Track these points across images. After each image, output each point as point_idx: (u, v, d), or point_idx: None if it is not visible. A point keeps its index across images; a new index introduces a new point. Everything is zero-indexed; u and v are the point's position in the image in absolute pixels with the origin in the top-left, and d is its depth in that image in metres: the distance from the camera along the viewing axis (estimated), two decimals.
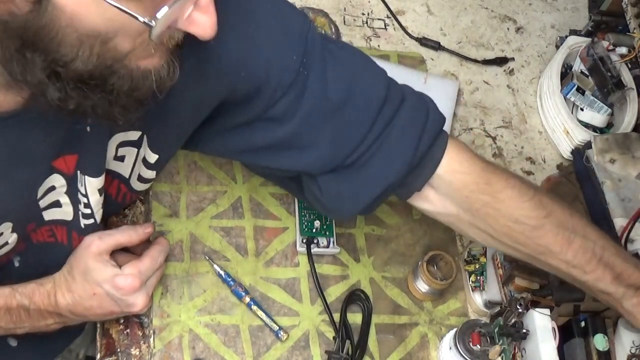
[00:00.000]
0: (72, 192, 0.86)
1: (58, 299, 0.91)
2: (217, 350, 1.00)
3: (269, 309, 1.04)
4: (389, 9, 1.35)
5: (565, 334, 1.03)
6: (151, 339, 0.99)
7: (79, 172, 0.84)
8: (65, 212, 0.89)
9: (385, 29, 1.33)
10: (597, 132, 1.24)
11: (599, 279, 0.90)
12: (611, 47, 1.27)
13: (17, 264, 0.92)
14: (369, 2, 1.35)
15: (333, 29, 1.30)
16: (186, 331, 1.00)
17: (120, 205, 1.00)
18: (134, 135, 0.87)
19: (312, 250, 1.07)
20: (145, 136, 0.87)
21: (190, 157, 1.12)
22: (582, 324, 1.03)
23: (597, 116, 1.25)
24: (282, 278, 1.07)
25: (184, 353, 0.99)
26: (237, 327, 1.02)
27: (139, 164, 0.91)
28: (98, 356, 0.98)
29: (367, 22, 1.33)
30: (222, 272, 1.04)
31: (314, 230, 1.09)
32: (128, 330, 0.98)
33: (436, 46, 1.33)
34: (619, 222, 1.10)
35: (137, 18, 0.60)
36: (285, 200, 1.12)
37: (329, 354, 1.01)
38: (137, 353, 0.98)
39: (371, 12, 1.35)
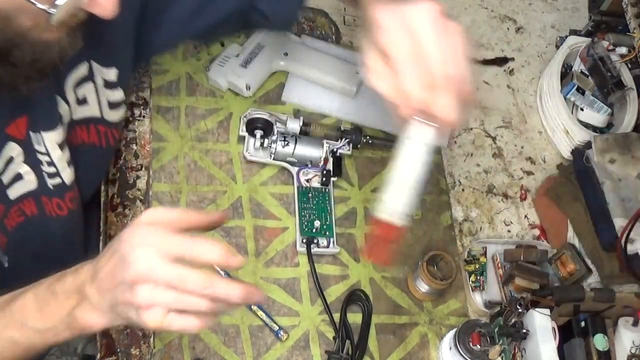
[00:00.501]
0: (31, 157, 0.86)
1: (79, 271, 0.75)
2: (217, 350, 1.00)
3: (269, 309, 1.04)
4: None
5: (565, 334, 1.03)
6: (151, 339, 0.99)
7: (31, 132, 0.84)
8: (29, 182, 0.88)
9: None
10: (597, 132, 1.24)
11: None
12: (611, 47, 1.27)
13: (6, 264, 0.91)
14: None
15: (333, 29, 1.30)
16: None
17: (109, 150, 1.00)
18: (83, 69, 0.87)
19: (312, 250, 1.07)
20: (92, 62, 0.88)
21: (190, 157, 1.12)
22: (582, 324, 1.03)
23: (597, 116, 1.25)
24: (282, 278, 1.07)
25: (184, 353, 0.99)
26: (237, 327, 1.02)
27: (102, 92, 0.91)
28: (98, 356, 0.98)
29: None
30: (222, 272, 1.04)
31: (314, 230, 1.09)
32: (128, 330, 0.98)
33: None
34: (619, 222, 1.10)
35: (36, 5, 0.64)
36: (285, 200, 1.12)
37: (329, 354, 1.01)
38: (137, 353, 0.98)
39: None
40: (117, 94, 0.93)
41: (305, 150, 1.13)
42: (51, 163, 0.87)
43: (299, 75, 1.21)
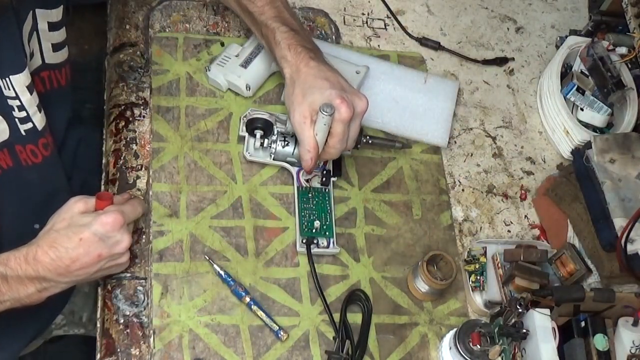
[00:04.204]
0: (1, 104, 0.88)
1: (39, 258, 0.90)
2: (217, 350, 1.00)
3: (269, 309, 1.04)
4: (389, 9, 1.35)
5: (565, 334, 1.03)
6: (151, 339, 0.99)
7: None
8: (2, 132, 0.91)
9: (385, 29, 1.33)
10: (597, 132, 1.24)
11: (262, 13, 1.06)
12: (611, 47, 1.27)
13: None
14: (369, 2, 1.35)
15: (333, 29, 1.30)
16: (186, 331, 1.00)
17: (63, 92, 1.04)
18: (30, 20, 0.91)
19: (312, 250, 1.07)
20: (36, 11, 0.92)
21: (190, 157, 1.12)
22: (582, 324, 1.03)
23: (597, 116, 1.25)
24: (282, 278, 1.07)
25: (184, 353, 0.99)
26: (237, 327, 1.02)
27: (46, 37, 0.95)
28: (98, 356, 0.98)
29: (367, 22, 1.33)
30: (222, 272, 1.04)
31: (314, 230, 1.09)
32: (128, 330, 0.99)
33: (436, 46, 1.33)
34: (619, 222, 1.10)
35: None
36: (285, 200, 1.12)
37: (329, 354, 1.01)
38: (137, 353, 0.98)
39: (371, 12, 1.35)
40: (60, 35, 0.97)
41: None
42: (22, 107, 0.90)
43: None
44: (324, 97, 0.98)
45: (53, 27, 0.96)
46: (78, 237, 0.91)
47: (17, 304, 0.93)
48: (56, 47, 0.98)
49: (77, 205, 0.94)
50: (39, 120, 0.94)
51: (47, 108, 0.99)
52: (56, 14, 0.96)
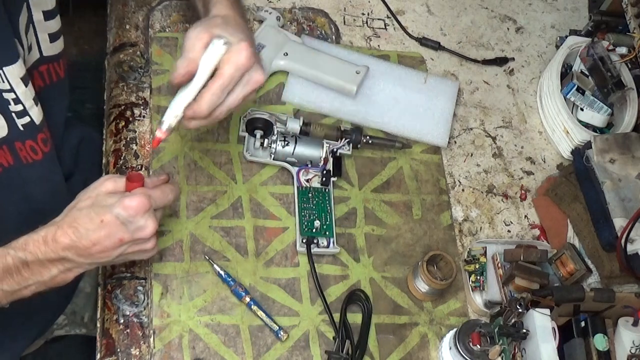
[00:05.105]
0: None
1: (58, 239, 0.87)
2: (217, 350, 1.00)
3: (269, 309, 1.04)
4: (389, 9, 1.35)
5: (565, 334, 1.03)
6: (151, 339, 0.99)
7: None
8: (0, 128, 0.89)
9: (385, 29, 1.33)
10: (597, 132, 1.24)
11: None
12: (611, 47, 1.27)
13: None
14: (369, 2, 1.35)
15: (333, 29, 1.30)
16: (186, 331, 1.00)
17: (61, 85, 1.03)
18: (25, 12, 0.90)
19: (312, 250, 1.07)
20: (29, 2, 0.91)
21: (190, 157, 1.12)
22: (582, 324, 1.03)
23: (597, 116, 1.25)
24: (282, 278, 1.07)
25: (184, 353, 0.99)
26: (237, 327, 1.02)
27: (42, 28, 0.94)
28: (98, 356, 0.98)
29: (367, 22, 1.33)
30: (222, 272, 1.04)
31: (314, 230, 1.09)
32: (128, 330, 0.99)
33: (436, 46, 1.33)
34: (619, 222, 1.10)
35: None
36: (285, 200, 1.12)
37: (329, 354, 1.01)
38: (137, 353, 0.98)
39: (371, 12, 1.35)
40: (56, 23, 0.95)
41: (305, 150, 1.13)
42: (17, 100, 0.89)
43: (299, 75, 1.21)
44: (235, 37, 0.89)
45: (48, 15, 0.94)
46: (100, 218, 0.87)
47: (43, 287, 0.90)
48: (53, 37, 0.96)
49: (105, 184, 0.90)
50: (36, 113, 0.92)
51: (46, 102, 0.97)
52: (50, 1, 0.94)
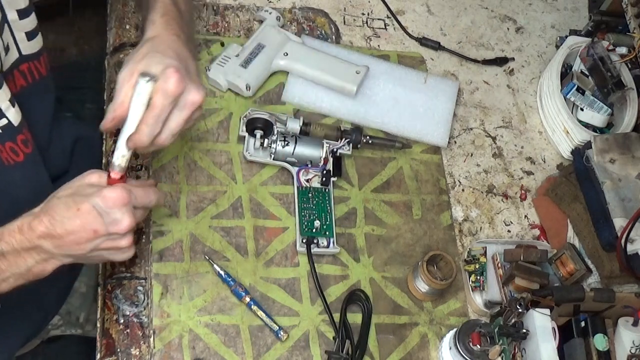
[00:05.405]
0: None
1: (34, 227, 0.85)
2: (217, 350, 1.00)
3: (269, 309, 1.04)
4: (389, 9, 1.35)
5: (565, 334, 1.03)
6: (151, 339, 0.99)
7: None
8: None
9: (385, 29, 1.33)
10: (597, 132, 1.24)
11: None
12: (611, 47, 1.27)
13: None
14: (369, 2, 1.35)
15: (333, 29, 1.30)
16: (186, 331, 1.00)
17: (44, 82, 1.01)
18: (23, 1, 0.90)
19: (312, 250, 1.07)
20: (1, 2, 0.90)
21: (190, 157, 1.12)
22: (582, 324, 1.03)
23: (597, 116, 1.25)
24: (282, 278, 1.07)
25: (184, 353, 0.99)
26: (237, 327, 1.02)
27: (17, 27, 0.93)
28: (98, 356, 0.98)
29: (367, 22, 1.33)
30: (222, 272, 1.04)
31: (314, 230, 1.09)
32: (128, 330, 0.99)
33: (436, 46, 1.33)
34: (619, 222, 1.10)
35: None
36: (285, 200, 1.12)
37: (329, 354, 1.01)
38: (137, 353, 0.98)
39: (371, 12, 1.35)
40: (31, 22, 0.94)
41: (305, 150, 1.13)
42: None
43: (299, 75, 1.21)
44: (161, 64, 0.88)
45: (22, 14, 0.92)
46: (77, 207, 0.85)
47: (22, 280, 0.88)
48: (30, 36, 0.95)
49: (89, 176, 0.89)
50: (13, 115, 0.91)
51: (28, 101, 0.96)
52: (23, 0, 0.93)
